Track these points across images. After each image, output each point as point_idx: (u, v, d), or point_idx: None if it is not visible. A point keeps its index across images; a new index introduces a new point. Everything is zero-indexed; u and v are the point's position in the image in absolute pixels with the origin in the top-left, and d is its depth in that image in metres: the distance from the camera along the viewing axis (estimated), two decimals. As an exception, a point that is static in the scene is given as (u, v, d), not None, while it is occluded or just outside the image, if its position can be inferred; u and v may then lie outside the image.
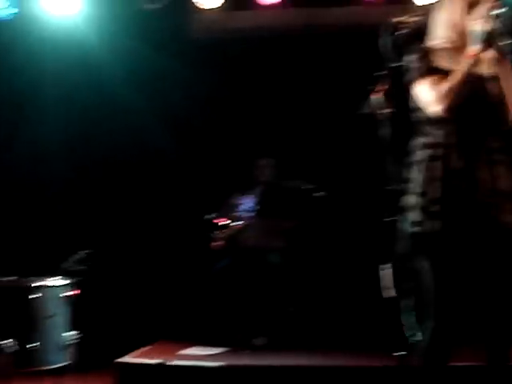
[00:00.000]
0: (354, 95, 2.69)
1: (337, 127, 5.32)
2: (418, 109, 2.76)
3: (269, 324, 4.93)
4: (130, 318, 5.25)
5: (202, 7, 5.28)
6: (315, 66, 5.49)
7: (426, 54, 2.74)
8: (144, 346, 4.72)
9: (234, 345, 4.77)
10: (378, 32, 2.81)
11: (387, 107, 2.56)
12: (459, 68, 2.65)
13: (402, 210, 2.67)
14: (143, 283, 5.41)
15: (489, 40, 2.63)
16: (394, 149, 2.57)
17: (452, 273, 2.63)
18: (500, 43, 2.66)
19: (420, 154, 2.69)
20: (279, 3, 5.23)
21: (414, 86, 2.72)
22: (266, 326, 4.92)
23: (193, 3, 5.29)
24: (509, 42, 2.59)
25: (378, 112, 2.53)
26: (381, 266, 2.39)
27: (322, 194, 4.91)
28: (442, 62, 2.73)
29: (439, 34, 2.80)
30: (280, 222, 5.19)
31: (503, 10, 2.61)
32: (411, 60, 2.73)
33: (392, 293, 2.44)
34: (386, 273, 2.41)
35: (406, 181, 2.69)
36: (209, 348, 4.71)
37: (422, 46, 2.77)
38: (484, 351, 2.67)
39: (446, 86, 2.63)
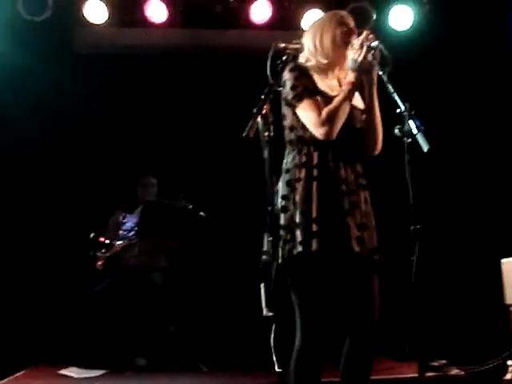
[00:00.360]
0: (239, 117, 2.72)
1: (221, 148, 5.37)
2: (292, 128, 2.83)
3: (150, 344, 4.87)
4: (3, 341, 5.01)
5: (88, 22, 5.20)
6: (201, 87, 5.54)
7: (305, 74, 2.82)
8: (19, 370, 4.53)
9: (115, 366, 4.67)
10: (265, 55, 2.87)
11: (268, 130, 2.60)
12: (340, 94, 2.76)
13: (281, 228, 2.71)
14: (19, 304, 5.19)
15: (363, 69, 2.77)
16: (275, 171, 2.62)
17: (322, 291, 2.71)
18: (372, 74, 2.82)
19: (298, 173, 2.75)
20: (167, 22, 5.23)
21: (295, 105, 2.78)
22: (147, 347, 4.85)
23: (80, 17, 5.20)
24: (379, 73, 2.73)
25: (261, 134, 2.57)
26: (261, 285, 2.43)
27: (204, 213, 4.91)
28: (319, 84, 2.83)
29: (309, 58, 2.90)
30: (163, 242, 5.15)
31: (376, 43, 2.75)
32: (290, 78, 2.80)
33: (269, 312, 2.47)
34: (264, 292, 2.45)
35: (284, 199, 2.74)
36: (88, 370, 4.58)
37: (300, 65, 2.85)
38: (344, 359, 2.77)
39: (329, 110, 2.72)
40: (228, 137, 5.22)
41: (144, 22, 5.18)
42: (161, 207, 5.13)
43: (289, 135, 2.86)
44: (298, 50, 2.86)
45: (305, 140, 2.79)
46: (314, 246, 2.65)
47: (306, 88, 2.77)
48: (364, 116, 2.86)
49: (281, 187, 2.79)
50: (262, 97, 2.61)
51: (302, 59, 2.91)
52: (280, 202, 2.76)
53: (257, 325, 2.79)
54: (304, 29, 5.16)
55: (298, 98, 2.77)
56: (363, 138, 2.87)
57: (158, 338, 4.93)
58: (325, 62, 2.87)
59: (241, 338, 5.06)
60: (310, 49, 2.90)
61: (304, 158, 2.77)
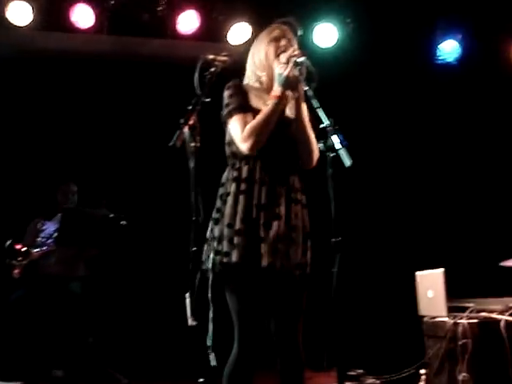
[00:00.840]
0: (163, 126, 2.74)
1: (147, 157, 5.34)
2: (229, 143, 2.89)
3: (68, 356, 4.77)
4: None
5: (11, 24, 5.07)
6: (127, 94, 5.50)
7: (240, 91, 2.88)
8: None
9: (31, 378, 4.54)
10: (191, 66, 2.89)
11: (195, 141, 2.63)
12: (265, 108, 2.81)
13: (211, 239, 2.77)
14: None
15: (289, 84, 2.84)
16: (201, 181, 2.64)
17: (251, 301, 2.76)
18: (299, 88, 2.89)
19: (229, 187, 2.81)
20: (93, 28, 5.16)
21: (227, 122, 2.85)
22: (65, 358, 4.74)
23: (2, 18, 5.06)
24: (306, 88, 2.80)
25: (187, 145, 2.59)
26: (186, 295, 2.44)
27: (125, 222, 4.86)
28: (254, 102, 2.88)
29: (250, 75, 2.97)
30: (82, 250, 5.06)
31: (303, 58, 2.82)
32: (225, 96, 2.86)
33: (194, 321, 2.48)
34: (189, 302, 2.46)
35: (217, 212, 2.80)
36: (3, 383, 4.44)
37: (236, 83, 2.91)
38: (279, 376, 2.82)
39: (252, 124, 2.78)
40: (153, 145, 5.26)
41: (70, 27, 5.09)
42: (81, 215, 5.03)
43: (227, 150, 2.94)
44: (226, 62, 2.90)
45: (237, 155, 2.86)
46: (234, 257, 2.72)
47: (238, 105, 2.85)
48: (299, 129, 2.91)
49: (216, 200, 2.87)
50: (190, 107, 2.63)
51: (246, 79, 2.99)
52: (214, 214, 2.84)
53: (180, 334, 2.81)
54: (230, 42, 5.24)
55: (229, 114, 2.86)
56: (299, 151, 2.92)
57: (76, 348, 4.83)
58: (261, 78, 2.95)
59: (163, 349, 5.03)
60: (249, 67, 2.98)
61: (235, 173, 2.84)
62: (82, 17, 5.08)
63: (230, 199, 2.80)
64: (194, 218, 2.57)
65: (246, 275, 2.75)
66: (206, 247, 2.81)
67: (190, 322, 2.45)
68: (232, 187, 2.82)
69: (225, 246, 2.75)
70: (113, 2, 5.09)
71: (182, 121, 2.57)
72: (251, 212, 2.76)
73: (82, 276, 5.06)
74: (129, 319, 5.26)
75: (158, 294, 5.18)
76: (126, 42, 5.25)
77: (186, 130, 2.56)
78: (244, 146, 2.79)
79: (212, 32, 5.26)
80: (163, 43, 5.24)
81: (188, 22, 5.17)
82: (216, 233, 2.80)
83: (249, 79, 3.01)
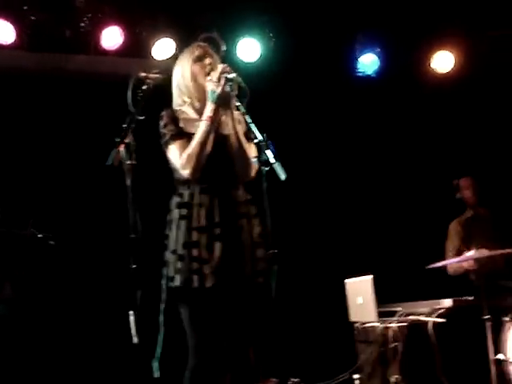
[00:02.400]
0: (100, 145, 2.73)
1: (76, 175, 5.26)
2: (172, 170, 2.92)
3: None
4: None
5: None
6: (50, 111, 5.39)
7: (172, 119, 2.91)
8: None
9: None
10: (119, 82, 2.90)
11: (131, 159, 2.63)
12: (198, 131, 2.84)
13: (164, 265, 2.81)
14: None
15: (222, 101, 2.88)
16: (137, 200, 2.65)
17: (202, 319, 2.79)
18: (232, 104, 2.93)
19: (173, 213, 2.85)
20: (14, 44, 5.04)
21: (166, 149, 2.88)
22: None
23: None
24: (238, 103, 2.85)
25: (124, 163, 2.59)
26: (130, 313, 2.44)
27: (53, 242, 4.76)
28: (187, 127, 2.91)
29: (176, 99, 2.99)
30: (8, 271, 4.92)
31: (234, 75, 2.87)
32: (160, 126, 2.89)
33: (137, 339, 2.48)
34: (133, 320, 2.46)
35: (166, 238, 2.84)
36: None
37: (168, 112, 2.94)
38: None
39: (188, 151, 2.82)
40: (83, 163, 5.20)
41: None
42: (5, 236, 4.90)
43: (173, 177, 2.97)
44: (158, 79, 2.91)
45: (179, 180, 2.90)
46: (179, 281, 2.78)
47: (172, 134, 2.88)
48: (235, 144, 2.95)
49: (166, 227, 2.91)
50: (125, 125, 2.64)
51: (174, 104, 3.01)
52: (164, 241, 2.89)
53: (119, 354, 2.80)
54: (155, 57, 5.23)
55: (166, 144, 2.91)
56: (237, 166, 2.96)
57: (4, 373, 4.68)
58: (189, 101, 2.97)
59: (101, 369, 4.94)
60: (176, 93, 3.00)
61: (178, 199, 2.89)
62: (2, 33, 4.96)
63: (173, 225, 2.86)
64: (132, 236, 2.56)
65: (192, 297, 2.80)
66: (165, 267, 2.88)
67: (135, 339, 2.44)
68: (175, 213, 2.87)
69: (170, 271, 2.82)
70: (34, 18, 5.00)
71: (117, 139, 2.57)
72: (191, 236, 2.81)
73: (7, 298, 4.91)
74: (62, 341, 5.14)
75: (93, 313, 5.08)
76: (49, 59, 5.15)
77: (121, 148, 2.56)
78: (185, 173, 2.84)
79: (136, 48, 5.23)
80: (87, 59, 5.17)
81: (112, 37, 5.12)
82: (165, 258, 2.87)
83: (177, 104, 3.02)
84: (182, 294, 2.81)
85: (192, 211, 2.84)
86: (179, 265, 2.79)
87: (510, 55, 5.66)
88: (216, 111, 2.88)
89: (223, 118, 2.96)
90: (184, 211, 2.85)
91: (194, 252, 2.79)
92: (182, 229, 2.83)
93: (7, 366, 4.68)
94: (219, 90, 2.85)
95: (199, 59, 3.00)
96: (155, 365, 2.71)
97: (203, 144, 2.83)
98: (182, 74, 3.00)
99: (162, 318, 2.77)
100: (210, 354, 2.80)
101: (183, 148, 2.84)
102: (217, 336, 2.84)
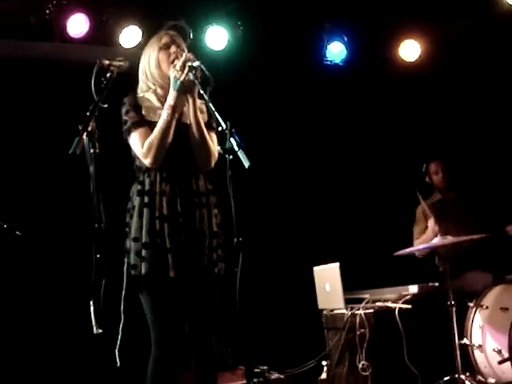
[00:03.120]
0: (63, 133, 2.70)
1: (42, 165, 5.20)
2: (133, 158, 2.92)
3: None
4: None
5: None
6: (16, 98, 5.31)
7: (134, 106, 2.90)
8: None
9: None
10: (85, 69, 2.87)
11: (94, 147, 2.61)
12: (160, 119, 2.84)
13: (124, 253, 2.81)
14: None
15: (185, 89, 2.88)
16: (100, 189, 2.62)
17: (163, 307, 2.79)
18: (195, 92, 2.93)
19: (134, 201, 2.85)
20: (-23, 32, 4.95)
21: (128, 136, 2.87)
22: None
23: None
24: (202, 91, 2.84)
25: (87, 151, 2.56)
26: (90, 303, 2.43)
27: (21, 232, 4.70)
28: (149, 114, 2.90)
29: (142, 85, 2.99)
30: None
31: (198, 63, 2.87)
32: (122, 113, 2.88)
33: (99, 329, 2.47)
34: (93, 310, 2.45)
35: (126, 226, 2.84)
36: None
37: (130, 98, 2.92)
38: (194, 378, 2.88)
39: (149, 139, 2.82)
40: (45, 150, 5.13)
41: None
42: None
43: (133, 164, 2.99)
44: (122, 67, 2.89)
45: (141, 168, 2.91)
46: (143, 269, 2.80)
47: (134, 121, 2.89)
48: (196, 133, 2.94)
49: (126, 214, 2.93)
50: (87, 113, 2.61)
51: (139, 90, 3.00)
52: (125, 228, 2.92)
53: (85, 344, 2.79)
54: (122, 45, 5.18)
55: (127, 131, 2.93)
56: (198, 155, 2.96)
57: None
58: (153, 87, 2.97)
59: (65, 360, 4.90)
60: (141, 79, 3.00)
61: (139, 186, 2.89)
62: (-36, 20, 4.86)
63: (135, 213, 2.87)
64: (96, 225, 2.54)
65: (155, 285, 2.81)
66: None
67: (95, 330, 2.43)
68: (136, 201, 2.88)
69: (132, 259, 2.84)
70: (-2, 5, 4.91)
71: (80, 127, 2.55)
72: (155, 224, 2.81)
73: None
74: (27, 331, 5.09)
75: (58, 303, 5.04)
76: (13, 46, 5.06)
77: (84, 136, 2.54)
78: (147, 162, 2.86)
79: (102, 35, 5.17)
80: (52, 47, 5.09)
81: (77, 25, 5.04)
82: (126, 246, 2.88)
83: (141, 91, 3.02)
84: (144, 283, 2.81)
85: (155, 199, 2.84)
86: (143, 253, 2.79)
87: (476, 44, 5.71)
88: (178, 99, 2.88)
89: (185, 107, 2.96)
90: (146, 199, 2.85)
91: (158, 240, 2.80)
92: (144, 217, 2.83)
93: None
94: (182, 77, 2.85)
95: (166, 47, 3.01)
96: (116, 353, 2.72)
97: (165, 133, 2.83)
98: (148, 61, 3.02)
99: (122, 306, 2.78)
100: (173, 343, 2.82)
101: (145, 136, 2.85)
102: (178, 325, 2.85)
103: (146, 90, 3.01)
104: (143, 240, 2.81)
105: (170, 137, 2.85)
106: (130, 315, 2.81)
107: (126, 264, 2.87)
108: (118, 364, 2.69)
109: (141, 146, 2.85)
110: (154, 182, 2.88)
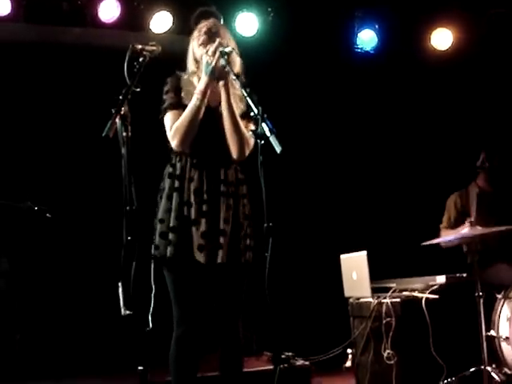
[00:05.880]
0: (95, 116, 2.73)
1: (72, 147, 5.25)
2: (167, 140, 2.94)
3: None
4: None
5: None
6: (48, 84, 5.37)
7: (174, 88, 2.92)
8: None
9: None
10: (116, 54, 2.89)
11: (126, 130, 2.62)
12: (190, 104, 2.86)
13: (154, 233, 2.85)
14: None
15: (216, 74, 2.88)
16: (132, 172, 2.65)
17: (187, 288, 2.82)
18: (227, 78, 2.93)
19: (165, 183, 2.87)
20: (10, 16, 5.00)
21: (163, 116, 2.89)
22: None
23: None
24: (234, 77, 2.85)
25: (119, 135, 2.58)
26: (118, 284, 2.45)
27: (50, 215, 4.75)
28: (187, 99, 2.92)
29: (188, 68, 3.01)
30: (3, 244, 4.93)
31: (229, 48, 2.87)
32: (163, 92, 2.90)
33: (127, 311, 2.49)
34: (121, 291, 2.47)
35: (156, 206, 2.87)
36: None
37: (173, 79, 2.94)
38: (218, 361, 2.90)
39: (177, 122, 2.84)
40: (78, 134, 5.19)
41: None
42: (1, 209, 4.89)
43: (167, 146, 2.98)
44: (154, 52, 2.90)
45: (173, 151, 2.91)
46: (169, 252, 2.83)
47: (170, 102, 2.91)
48: (229, 119, 2.94)
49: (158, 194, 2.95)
50: (120, 97, 2.63)
51: (186, 72, 3.03)
52: (155, 208, 2.94)
53: (115, 326, 2.83)
54: (153, 30, 5.20)
55: (164, 111, 2.96)
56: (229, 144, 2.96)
57: (3, 346, 4.71)
58: (196, 70, 2.99)
59: (98, 341, 4.97)
60: (188, 60, 3.02)
61: (171, 169, 2.92)
62: (-2, 5, 4.91)
63: (164, 195, 2.90)
64: (127, 208, 2.57)
65: (179, 268, 2.85)
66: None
67: (123, 311, 2.46)
68: (167, 183, 2.91)
69: (156, 240, 2.88)
70: (30, -10, 4.96)
71: (113, 111, 2.56)
72: (183, 209, 2.83)
73: (3, 271, 4.92)
74: (59, 313, 5.17)
75: (89, 285, 5.11)
76: (45, 30, 5.12)
77: (117, 119, 2.56)
78: (173, 144, 2.88)
79: (133, 21, 5.21)
80: (84, 32, 5.14)
81: (109, 10, 5.09)
82: (154, 225, 2.92)
83: (187, 73, 3.05)
84: (170, 265, 2.84)
85: (183, 184, 2.86)
86: (170, 236, 2.82)
87: (509, 33, 5.63)
88: (209, 84, 2.88)
89: (219, 93, 2.97)
90: (176, 183, 2.88)
91: (185, 225, 2.82)
92: (174, 200, 2.85)
93: (5, 340, 4.72)
94: (213, 63, 2.86)
95: (205, 33, 3.01)
96: (149, 318, 2.78)
97: (192, 117, 2.85)
98: (191, 47, 3.04)
99: (152, 277, 2.84)
100: (194, 325, 2.84)
101: (176, 119, 2.87)
102: (201, 307, 2.87)
103: (191, 73, 3.04)
104: (171, 224, 2.84)
105: (197, 122, 2.86)
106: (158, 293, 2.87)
107: (153, 244, 2.92)
108: (150, 326, 2.73)
109: (170, 128, 2.90)
110: (184, 167, 2.89)
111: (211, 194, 2.87)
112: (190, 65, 3.06)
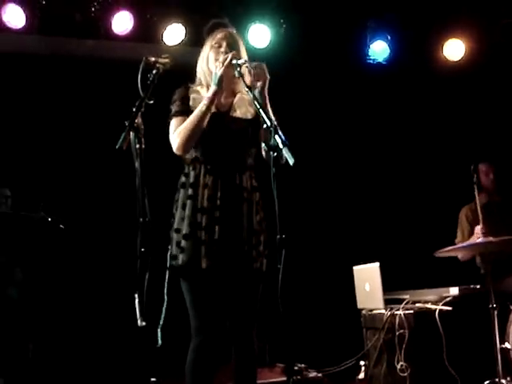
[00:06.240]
0: (109, 129, 2.74)
1: (84, 159, 5.28)
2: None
3: (7, 363, 4.65)
4: None
5: None
6: (61, 96, 5.41)
7: (183, 96, 2.94)
8: None
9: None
10: (129, 67, 2.91)
11: (140, 142, 2.64)
12: (196, 109, 2.88)
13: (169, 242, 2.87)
14: None
15: (222, 84, 2.90)
16: (146, 184, 2.66)
17: (202, 297, 2.82)
18: (241, 88, 2.95)
19: (179, 193, 2.89)
20: (24, 29, 5.05)
21: (168, 124, 2.92)
22: (4, 366, 4.63)
23: None
24: (247, 89, 2.86)
25: (132, 147, 2.59)
26: (135, 296, 2.46)
27: (63, 226, 4.78)
28: (194, 105, 2.94)
29: (198, 79, 3.03)
30: (18, 255, 4.95)
31: (242, 60, 2.89)
32: (171, 101, 2.93)
33: (143, 322, 2.49)
34: (137, 302, 2.47)
35: (172, 217, 2.89)
36: None
37: (182, 89, 2.97)
38: (233, 372, 2.90)
39: (181, 126, 2.86)
40: (91, 146, 5.22)
41: (0, 27, 4.97)
42: (14, 219, 4.92)
43: (180, 157, 3.02)
44: (168, 64, 2.92)
45: (186, 160, 2.94)
46: (181, 260, 2.84)
47: (176, 110, 2.94)
48: (240, 127, 2.97)
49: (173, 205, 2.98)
50: (134, 109, 2.64)
51: (195, 82, 3.05)
52: (171, 219, 2.97)
53: (129, 336, 2.83)
54: (166, 42, 5.24)
55: (169, 119, 3.00)
56: (244, 149, 2.97)
57: (16, 355, 4.72)
58: (204, 83, 3.01)
59: (111, 351, 4.98)
60: (198, 72, 3.05)
61: (184, 178, 2.93)
62: (13, 16, 4.96)
63: (178, 205, 2.91)
64: (141, 220, 2.57)
65: (191, 276, 2.83)
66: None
67: (140, 322, 2.46)
68: (181, 193, 2.92)
69: (173, 250, 2.90)
70: (44, 2, 5.00)
71: (126, 123, 2.58)
72: (196, 216, 2.84)
73: (18, 281, 4.94)
74: (72, 324, 5.18)
75: (102, 296, 5.12)
76: (59, 43, 5.16)
77: (131, 132, 2.57)
78: (173, 147, 2.90)
79: (146, 33, 5.24)
80: (97, 44, 5.18)
81: (122, 22, 5.13)
82: (170, 236, 2.94)
83: (196, 84, 3.08)
84: (184, 273, 2.85)
85: (197, 192, 2.87)
86: (183, 243, 2.83)
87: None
88: (218, 93, 2.90)
89: (230, 99, 2.99)
90: (190, 191, 2.88)
91: (198, 233, 2.83)
92: (187, 208, 2.86)
93: (18, 349, 4.73)
94: (220, 72, 2.87)
95: (217, 45, 3.04)
96: (159, 332, 2.78)
97: (196, 122, 2.88)
98: (202, 57, 3.06)
99: (166, 289, 2.87)
100: (212, 334, 2.84)
101: (180, 125, 2.90)
102: (218, 317, 2.88)
103: (198, 84, 3.06)
104: (184, 231, 2.86)
105: (200, 128, 2.88)
106: (172, 304, 2.87)
107: (169, 254, 2.92)
108: (160, 343, 2.74)
109: (173, 131, 2.92)
110: (198, 175, 2.90)
111: (225, 199, 2.87)
112: (199, 75, 3.08)
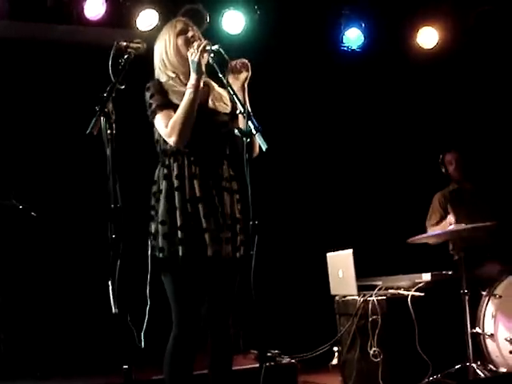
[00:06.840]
0: (80, 114, 2.71)
1: (55, 145, 5.22)
2: (156, 141, 2.92)
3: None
4: None
5: None
6: (31, 81, 5.33)
7: (159, 90, 2.90)
8: None
9: None
10: (102, 52, 2.87)
11: (111, 128, 2.61)
12: (183, 99, 2.84)
13: (148, 235, 2.85)
14: None
15: (201, 70, 2.87)
16: (117, 170, 2.63)
17: (188, 288, 2.82)
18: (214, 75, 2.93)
19: (161, 185, 2.85)
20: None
21: (153, 121, 2.87)
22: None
23: None
24: (221, 75, 2.84)
25: (103, 132, 2.57)
26: (109, 283, 2.44)
27: (35, 213, 4.73)
28: (174, 98, 2.90)
29: (159, 73, 2.98)
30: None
31: (216, 46, 2.86)
32: (147, 98, 2.88)
33: (116, 309, 2.48)
34: (111, 289, 2.46)
35: (152, 209, 2.85)
36: None
37: (155, 83, 2.92)
38: (209, 359, 2.89)
39: (174, 118, 2.82)
40: (62, 132, 5.16)
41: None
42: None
43: (156, 148, 2.98)
44: (139, 49, 2.88)
45: (166, 152, 2.91)
46: (180, 251, 2.79)
47: (160, 103, 2.88)
48: (223, 117, 2.95)
49: (151, 197, 2.93)
50: (105, 95, 2.61)
51: (157, 76, 2.99)
52: (150, 211, 2.91)
53: (101, 323, 2.81)
54: (139, 28, 5.18)
55: (153, 113, 2.90)
56: (230, 141, 2.96)
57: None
58: (173, 75, 2.96)
59: (83, 339, 4.95)
60: (159, 67, 2.99)
61: (166, 170, 2.89)
62: (-18, 2, 4.87)
63: (162, 197, 2.85)
64: (112, 206, 2.55)
65: (192, 266, 2.81)
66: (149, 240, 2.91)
67: (114, 309, 2.45)
68: (163, 185, 2.88)
69: (160, 242, 2.82)
70: (15, -13, 4.92)
71: (97, 108, 2.55)
72: (187, 207, 2.81)
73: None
74: (44, 312, 5.14)
75: (74, 284, 5.09)
76: (30, 28, 5.08)
77: (101, 117, 2.54)
78: (171, 141, 2.84)
79: (119, 18, 5.17)
80: (69, 29, 5.10)
81: (94, 7, 5.05)
82: (152, 229, 2.88)
83: (160, 77, 3.01)
84: (168, 265, 2.82)
85: (184, 182, 2.85)
86: (179, 235, 2.79)
87: (496, 30, 5.65)
88: (198, 81, 2.87)
89: (207, 89, 2.97)
90: (176, 182, 2.85)
91: (192, 222, 2.80)
92: (176, 200, 2.83)
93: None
94: (196, 58, 2.84)
95: (183, 32, 2.99)
96: (142, 336, 2.75)
97: (188, 111, 2.83)
98: (166, 50, 2.99)
99: (148, 289, 2.81)
100: (194, 324, 2.84)
101: (169, 117, 2.84)
102: (200, 306, 2.87)
103: (166, 79, 2.99)
104: (178, 223, 2.81)
105: (193, 116, 2.84)
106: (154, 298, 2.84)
107: (150, 247, 2.86)
108: (142, 346, 2.71)
109: (165, 125, 2.84)
110: (181, 166, 2.87)
111: (217, 189, 2.87)
112: (164, 70, 2.99)
